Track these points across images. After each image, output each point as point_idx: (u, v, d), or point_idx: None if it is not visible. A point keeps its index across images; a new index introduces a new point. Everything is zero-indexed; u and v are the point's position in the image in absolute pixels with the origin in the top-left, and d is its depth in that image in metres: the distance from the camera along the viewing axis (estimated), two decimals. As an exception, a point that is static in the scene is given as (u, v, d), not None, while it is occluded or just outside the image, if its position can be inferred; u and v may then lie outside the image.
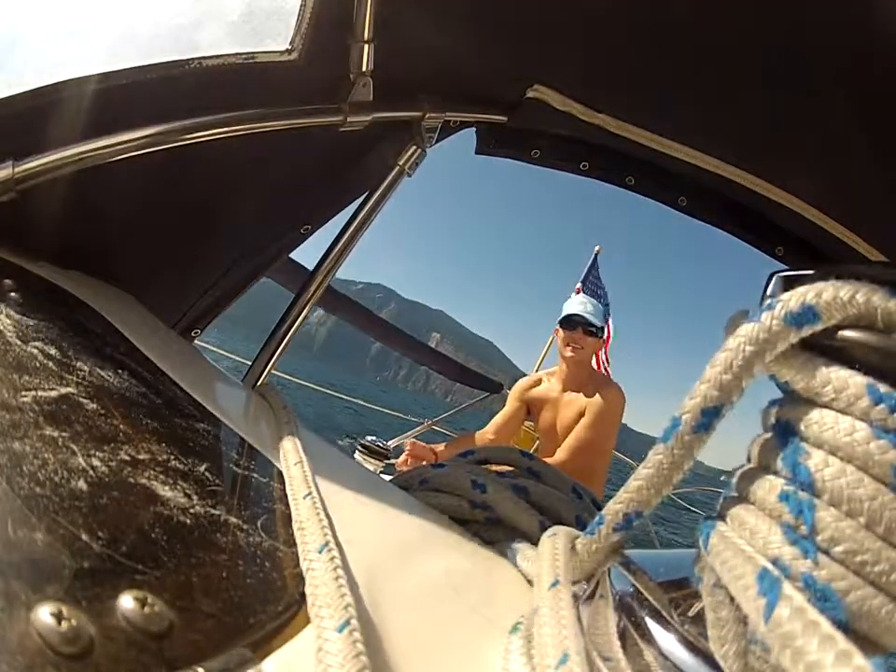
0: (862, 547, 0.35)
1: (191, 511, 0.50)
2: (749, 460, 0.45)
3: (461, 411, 6.54)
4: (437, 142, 1.57)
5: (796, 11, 1.03)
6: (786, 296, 0.42)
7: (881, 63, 1.01)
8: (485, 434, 3.63)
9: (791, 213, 1.58)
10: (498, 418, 3.76)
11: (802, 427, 0.40)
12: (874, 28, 0.95)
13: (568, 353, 3.43)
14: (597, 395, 3.32)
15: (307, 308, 1.65)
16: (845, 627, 0.33)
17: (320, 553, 0.49)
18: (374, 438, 3.24)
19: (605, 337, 3.61)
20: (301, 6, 1.15)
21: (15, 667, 0.28)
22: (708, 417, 0.45)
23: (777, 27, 1.08)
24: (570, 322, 3.44)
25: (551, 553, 0.60)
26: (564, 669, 0.43)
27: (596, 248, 8.14)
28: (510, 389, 6.56)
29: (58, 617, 0.31)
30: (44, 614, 0.31)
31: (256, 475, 0.68)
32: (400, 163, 1.55)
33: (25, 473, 0.42)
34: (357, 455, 3.19)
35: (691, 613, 0.47)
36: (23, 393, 0.55)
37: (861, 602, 0.34)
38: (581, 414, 3.32)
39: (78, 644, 0.31)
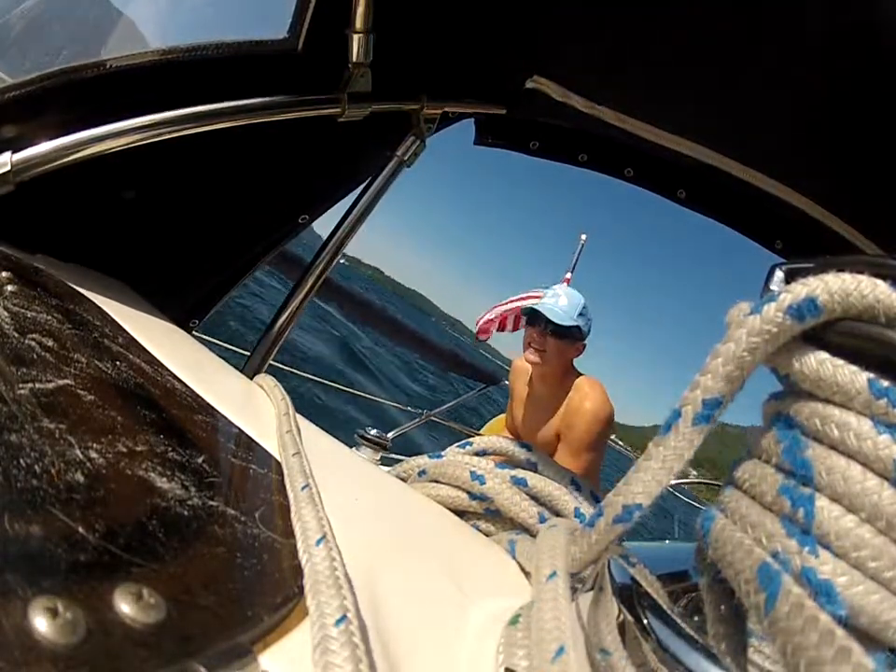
0: (863, 542, 0.35)
1: (189, 502, 0.50)
2: (749, 453, 0.45)
3: (459, 403, 6.56)
4: (436, 132, 1.57)
5: (796, 6, 1.03)
6: (788, 288, 0.41)
7: (881, 61, 1.00)
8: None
9: (791, 207, 1.57)
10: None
11: (802, 421, 0.40)
12: (875, 27, 0.95)
13: (529, 355, 2.84)
14: (569, 402, 2.77)
15: (306, 298, 1.65)
16: (845, 623, 0.33)
17: (318, 545, 0.49)
18: (375, 430, 3.24)
19: (581, 343, 2.88)
20: (299, -5, 1.15)
21: (10, 662, 0.28)
22: (709, 409, 0.45)
23: (778, 21, 1.08)
24: (533, 317, 2.83)
25: (549, 544, 0.60)
26: (560, 661, 0.43)
27: (583, 237, 8.09)
28: (506, 382, 6.61)
29: (53, 611, 0.31)
30: (39, 608, 0.31)
31: (254, 466, 0.68)
32: (399, 154, 1.55)
33: (22, 466, 0.42)
34: (356, 446, 3.20)
35: (690, 607, 0.47)
36: (21, 385, 0.54)
37: (862, 598, 0.34)
38: (556, 431, 2.82)
39: (74, 638, 0.31)
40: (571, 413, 2.75)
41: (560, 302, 2.80)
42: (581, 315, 2.80)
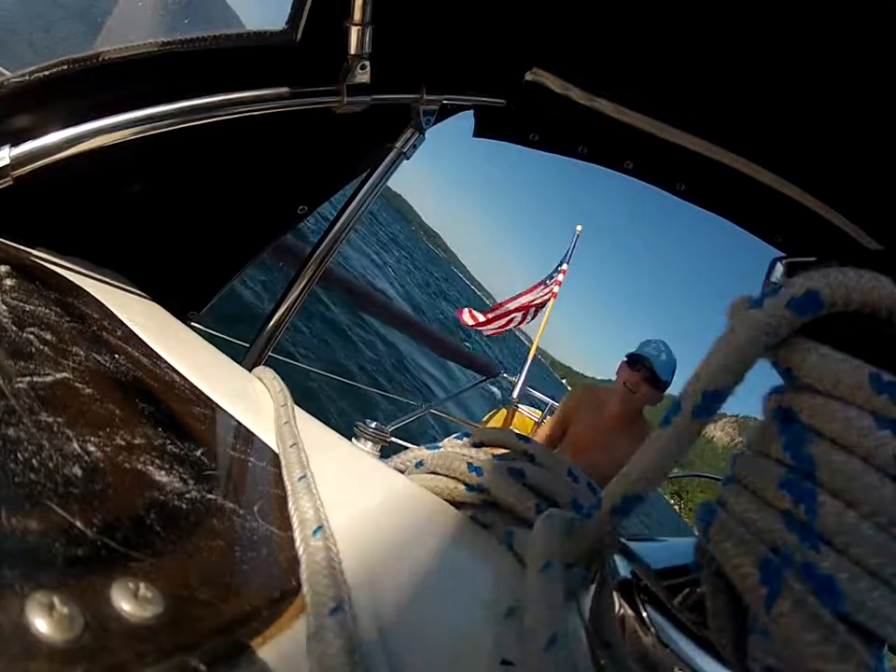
0: (864, 538, 0.35)
1: (187, 496, 0.50)
2: (749, 447, 0.45)
3: (459, 395, 6.56)
4: (435, 124, 1.56)
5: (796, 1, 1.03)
6: (789, 282, 0.41)
7: (883, 56, 1.00)
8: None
9: (791, 201, 1.57)
10: (545, 429, 3.68)
11: (803, 416, 0.40)
12: (876, 23, 0.94)
13: (621, 390, 3.27)
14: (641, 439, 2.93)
15: (306, 289, 1.64)
16: (845, 618, 0.33)
17: (315, 536, 0.49)
18: (375, 422, 3.22)
19: (662, 394, 3.32)
20: (298, -15, 1.14)
21: (8, 657, 0.28)
22: (709, 401, 0.45)
23: (778, 14, 1.08)
24: (635, 361, 3.26)
25: (545, 535, 0.60)
26: (553, 651, 0.43)
27: (578, 228, 8.14)
28: (505, 374, 6.62)
29: (50, 606, 0.31)
30: (36, 604, 0.31)
31: (252, 459, 0.68)
32: (398, 146, 1.55)
33: (20, 459, 0.42)
34: (354, 438, 3.19)
35: (690, 601, 0.47)
36: (19, 379, 0.54)
37: (863, 594, 0.34)
38: (621, 458, 2.91)
39: (71, 633, 0.31)
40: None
41: (663, 358, 3.23)
42: (672, 374, 3.27)
